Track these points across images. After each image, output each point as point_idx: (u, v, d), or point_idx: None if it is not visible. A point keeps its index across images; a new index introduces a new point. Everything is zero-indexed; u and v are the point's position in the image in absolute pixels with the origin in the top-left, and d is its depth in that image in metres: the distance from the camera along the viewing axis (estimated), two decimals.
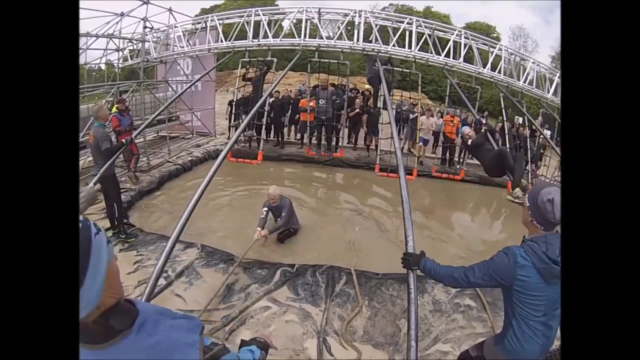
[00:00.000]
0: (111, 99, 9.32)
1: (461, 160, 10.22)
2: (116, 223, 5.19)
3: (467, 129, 5.56)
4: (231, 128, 10.22)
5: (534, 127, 9.91)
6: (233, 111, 9.76)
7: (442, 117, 10.45)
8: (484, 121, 5.39)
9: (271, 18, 8.77)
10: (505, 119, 9.38)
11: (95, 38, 9.68)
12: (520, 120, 11.63)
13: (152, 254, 4.74)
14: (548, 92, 9.37)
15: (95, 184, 4.58)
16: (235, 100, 9.56)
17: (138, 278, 4.23)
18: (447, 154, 10.07)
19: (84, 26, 9.13)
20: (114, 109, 7.28)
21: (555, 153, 10.68)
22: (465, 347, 2.77)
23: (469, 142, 5.28)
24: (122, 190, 5.78)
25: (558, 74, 9.44)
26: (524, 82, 9.04)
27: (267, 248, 5.26)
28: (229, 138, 11.72)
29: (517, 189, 4.43)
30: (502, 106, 9.37)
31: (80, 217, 0.78)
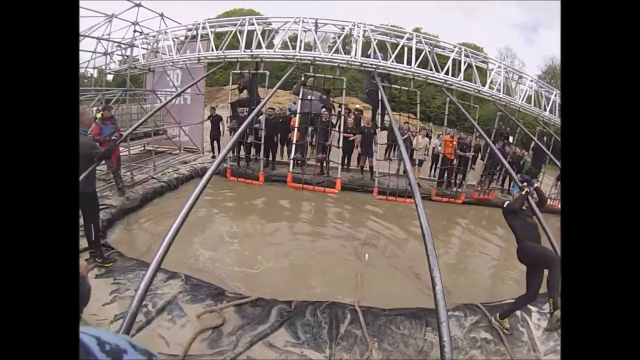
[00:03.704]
0: (95, 107, 8.85)
1: (459, 182, 10.02)
2: (93, 245, 4.67)
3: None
4: (230, 130, 9.72)
5: (532, 145, 9.75)
6: (230, 112, 9.38)
7: (438, 137, 10.30)
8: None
9: (265, 28, 8.40)
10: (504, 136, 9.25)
11: (83, 38, 9.18)
12: (511, 139, 11.56)
13: (131, 284, 4.22)
14: (545, 110, 9.32)
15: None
16: (230, 102, 9.19)
17: (115, 311, 3.73)
18: (445, 176, 9.76)
19: None
20: (99, 116, 6.83)
21: (549, 171, 10.70)
22: None
23: (505, 204, 4.44)
24: (102, 207, 5.33)
25: (555, 92, 9.50)
26: (521, 100, 8.92)
27: (259, 282, 4.77)
28: (212, 151, 11.32)
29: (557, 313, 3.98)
30: (495, 124, 9.34)
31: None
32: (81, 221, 4.78)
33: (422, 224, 2.82)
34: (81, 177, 4.10)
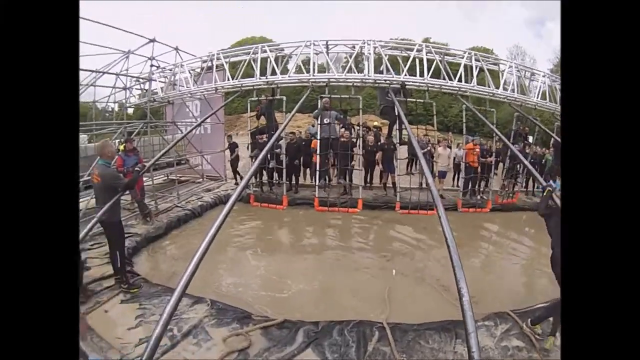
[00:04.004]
0: (117, 139, 9.18)
1: (483, 189, 9.84)
2: (118, 271, 4.83)
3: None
4: (251, 158, 9.88)
5: (552, 141, 9.51)
6: (250, 141, 9.47)
7: (457, 146, 10.18)
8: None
9: (278, 54, 8.60)
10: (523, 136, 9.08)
11: (101, 74, 9.62)
12: (531, 139, 11.35)
13: (157, 309, 4.27)
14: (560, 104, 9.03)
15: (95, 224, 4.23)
16: (249, 130, 9.33)
17: (140, 335, 3.78)
18: (470, 185, 9.59)
19: (92, 63, 9.18)
20: (121, 148, 7.08)
21: None
22: None
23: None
24: (128, 235, 5.49)
25: None
26: (536, 97, 8.79)
27: (287, 305, 4.76)
28: (235, 178, 11.48)
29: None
30: (516, 122, 9.27)
31: None
32: (106, 249, 4.95)
33: (446, 235, 2.82)
34: (105, 207, 4.27)
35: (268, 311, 4.49)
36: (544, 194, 4.23)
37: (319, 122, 8.24)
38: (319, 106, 8.26)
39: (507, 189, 10.19)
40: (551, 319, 3.98)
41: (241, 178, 11.41)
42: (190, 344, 3.70)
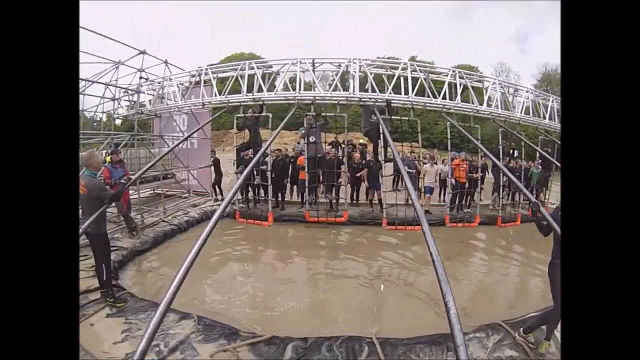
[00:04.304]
0: (104, 150, 9.11)
1: (470, 204, 10.00)
2: (104, 285, 4.76)
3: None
4: (237, 174, 9.89)
5: (538, 154, 9.76)
6: (235, 157, 9.49)
7: (449, 163, 10.33)
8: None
9: (265, 71, 8.70)
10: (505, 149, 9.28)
11: (91, 83, 9.58)
12: (516, 153, 11.61)
13: (143, 323, 4.21)
14: (544, 118, 9.42)
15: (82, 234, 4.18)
16: (236, 145, 9.34)
17: (126, 350, 3.72)
18: (457, 200, 9.73)
19: (81, 72, 9.11)
20: (108, 160, 7.02)
21: (557, 177, 10.68)
22: None
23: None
24: (113, 249, 5.42)
25: (551, 98, 9.75)
26: (520, 112, 9.04)
27: (275, 322, 4.73)
28: (217, 195, 11.48)
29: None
30: (500, 139, 9.33)
31: None
32: (92, 261, 4.89)
33: (431, 250, 2.78)
34: (91, 219, 4.22)
35: (258, 328, 4.45)
36: (533, 214, 4.28)
37: (305, 142, 8.35)
38: (305, 124, 8.40)
39: (495, 204, 10.44)
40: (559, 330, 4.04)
41: (221, 194, 11.46)
42: (176, 359, 3.65)
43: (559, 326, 4.05)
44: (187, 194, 11.99)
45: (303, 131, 8.45)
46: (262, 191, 9.92)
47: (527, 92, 9.36)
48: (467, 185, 9.86)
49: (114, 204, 6.75)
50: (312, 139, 8.35)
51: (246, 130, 9.04)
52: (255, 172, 8.38)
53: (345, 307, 5.23)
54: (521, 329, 4.10)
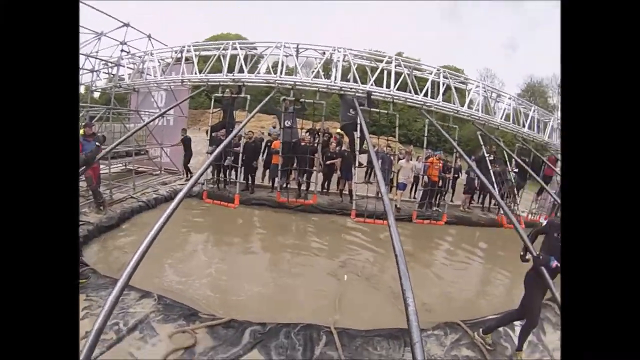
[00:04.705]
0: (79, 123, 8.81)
1: (439, 202, 10.12)
2: None
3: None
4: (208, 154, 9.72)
5: (513, 160, 9.90)
6: (208, 137, 9.33)
7: (424, 160, 10.42)
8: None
9: (248, 53, 8.54)
10: (485, 154, 9.37)
11: None
12: (492, 157, 11.80)
13: (104, 301, 4.09)
14: (523, 126, 9.50)
15: None
16: (210, 125, 9.14)
17: (86, 327, 3.58)
18: (427, 198, 9.85)
19: None
20: (81, 132, 6.81)
21: (530, 186, 10.88)
22: None
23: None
24: (80, 223, 5.27)
25: (533, 108, 9.85)
26: (500, 118, 9.09)
27: (233, 305, 4.72)
28: (186, 175, 11.35)
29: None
30: (482, 143, 9.34)
31: None
32: None
33: (394, 245, 2.78)
34: None
35: (220, 312, 4.42)
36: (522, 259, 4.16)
37: (281, 126, 8.27)
38: (282, 108, 8.31)
39: (465, 205, 10.65)
40: (517, 333, 4.12)
41: (189, 173, 11.33)
42: (135, 339, 3.60)
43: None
44: (159, 172, 11.78)
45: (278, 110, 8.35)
46: (232, 173, 9.79)
47: (509, 98, 9.43)
48: (439, 184, 9.96)
49: (83, 178, 6.56)
50: (287, 123, 8.27)
51: (222, 111, 8.87)
52: (225, 153, 8.24)
53: (307, 295, 5.25)
54: (481, 329, 4.18)
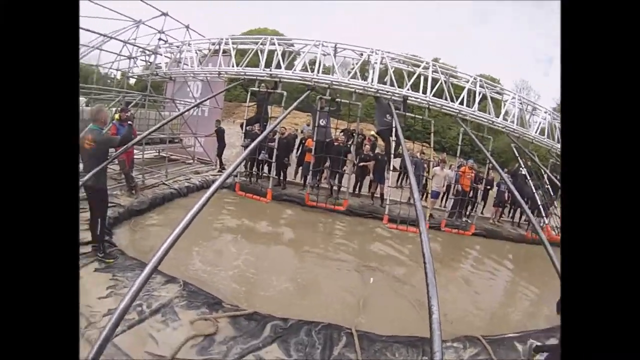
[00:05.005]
0: (115, 108, 9.09)
1: (470, 214, 9.92)
2: (97, 239, 4.79)
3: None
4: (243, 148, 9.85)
5: (545, 176, 9.60)
6: (242, 130, 9.43)
7: (457, 168, 10.24)
8: None
9: (286, 49, 8.58)
10: (521, 167, 9.13)
11: (109, 39, 9.51)
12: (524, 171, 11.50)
13: (129, 282, 4.24)
14: (558, 142, 9.13)
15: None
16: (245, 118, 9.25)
17: (109, 305, 3.75)
18: (458, 207, 9.68)
19: (101, 27, 9.03)
20: (116, 117, 7.03)
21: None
22: None
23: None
24: (111, 205, 5.49)
25: None
26: (535, 131, 8.84)
27: (259, 298, 4.75)
28: (219, 166, 11.52)
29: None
30: (517, 155, 9.06)
31: None
32: (87, 215, 4.90)
33: (424, 252, 2.69)
34: (93, 172, 4.25)
35: (244, 303, 4.45)
36: None
37: (315, 125, 8.28)
38: (318, 107, 8.30)
39: (495, 217, 10.45)
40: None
41: (222, 164, 11.49)
42: (157, 321, 3.67)
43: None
44: (192, 161, 12.01)
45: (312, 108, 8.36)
46: (265, 167, 9.88)
47: (545, 112, 9.16)
48: (470, 194, 9.78)
49: (116, 161, 6.76)
50: (322, 122, 8.26)
51: (257, 105, 8.95)
52: (260, 147, 8.32)
53: (332, 295, 5.24)
54: (534, 344, 4.09)
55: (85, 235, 4.84)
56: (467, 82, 8.18)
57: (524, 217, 10.77)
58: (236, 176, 8.46)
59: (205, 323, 3.71)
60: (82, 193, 4.80)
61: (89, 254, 4.70)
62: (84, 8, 7.77)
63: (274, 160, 8.03)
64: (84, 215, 5.02)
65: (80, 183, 4.17)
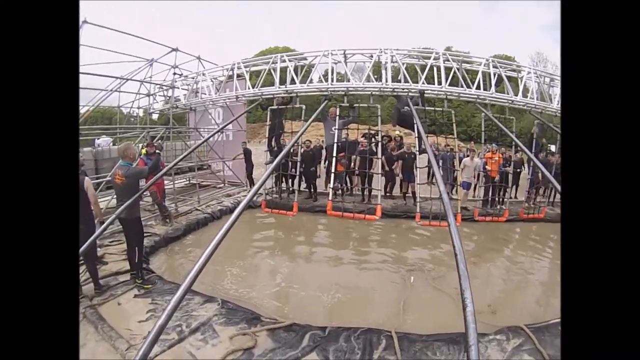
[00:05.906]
0: (141, 143, 9.51)
1: (502, 199, 9.62)
2: (135, 267, 5.06)
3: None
4: (266, 165, 9.98)
5: None
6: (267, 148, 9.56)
7: (478, 155, 10.01)
8: None
9: (297, 64, 8.72)
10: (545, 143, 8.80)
11: (126, 81, 10.01)
12: (553, 148, 11.00)
13: (167, 302, 4.40)
14: None
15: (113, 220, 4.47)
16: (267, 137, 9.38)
17: (149, 328, 3.90)
18: (490, 194, 9.42)
19: (117, 70, 9.56)
20: (143, 152, 7.35)
21: None
22: None
23: None
24: (146, 235, 5.74)
25: None
26: (557, 104, 8.43)
27: (300, 309, 4.82)
28: (249, 186, 11.78)
29: None
30: (535, 131, 8.83)
31: None
32: (124, 246, 5.14)
33: (454, 244, 2.70)
34: (127, 203, 4.52)
35: (282, 312, 4.57)
36: None
37: (331, 131, 8.29)
38: (337, 112, 8.32)
39: (530, 202, 10.01)
40: None
41: (252, 184, 11.69)
42: (196, 340, 3.80)
43: None
44: (222, 184, 12.33)
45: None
46: (295, 181, 10.01)
47: None
48: (498, 179, 9.53)
49: (148, 193, 7.07)
50: (332, 129, 8.26)
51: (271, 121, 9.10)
52: (284, 162, 8.41)
53: (372, 301, 5.25)
54: None
55: (124, 264, 5.08)
56: (480, 65, 8.03)
57: (558, 196, 10.33)
58: (265, 194, 8.56)
59: (244, 338, 3.81)
60: (119, 225, 5.05)
61: (127, 282, 4.97)
62: (98, 55, 8.32)
63: (297, 173, 8.11)
64: (122, 247, 5.26)
65: (115, 215, 4.43)
